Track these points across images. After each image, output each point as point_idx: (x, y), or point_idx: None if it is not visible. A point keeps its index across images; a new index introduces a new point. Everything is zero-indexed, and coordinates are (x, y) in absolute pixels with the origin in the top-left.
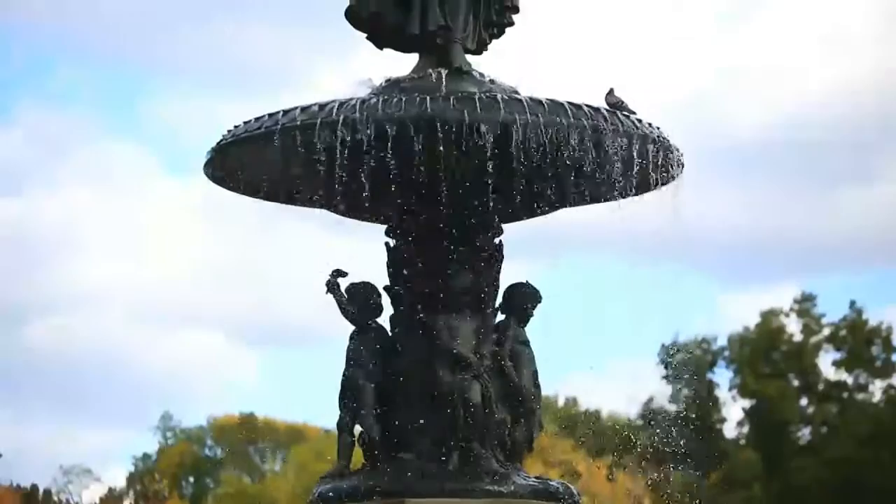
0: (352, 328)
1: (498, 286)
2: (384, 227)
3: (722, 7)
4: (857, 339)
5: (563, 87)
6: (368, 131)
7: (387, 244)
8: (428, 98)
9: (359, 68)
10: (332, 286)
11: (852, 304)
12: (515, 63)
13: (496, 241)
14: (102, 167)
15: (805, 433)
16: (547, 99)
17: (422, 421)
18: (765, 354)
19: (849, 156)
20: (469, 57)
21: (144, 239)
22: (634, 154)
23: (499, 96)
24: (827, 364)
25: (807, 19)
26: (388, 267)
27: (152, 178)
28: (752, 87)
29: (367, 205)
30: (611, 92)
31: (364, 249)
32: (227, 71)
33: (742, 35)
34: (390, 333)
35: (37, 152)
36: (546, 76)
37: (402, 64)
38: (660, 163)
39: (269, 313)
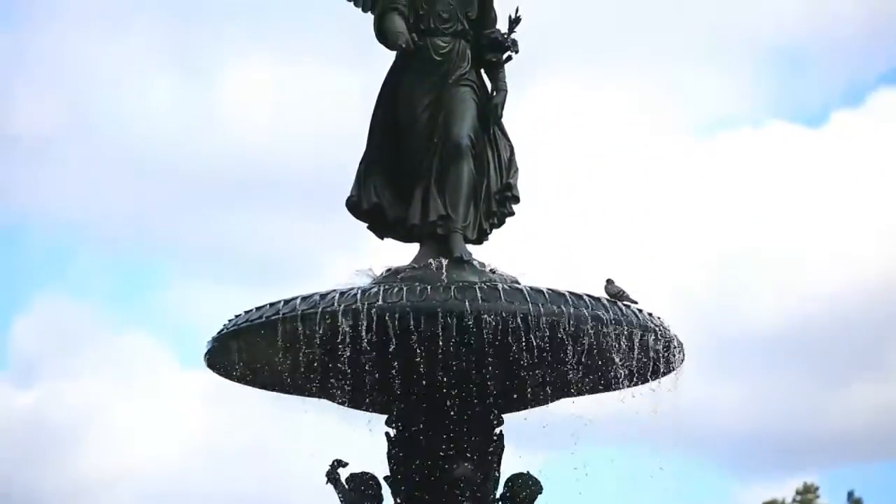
0: None
1: (499, 476)
2: (384, 416)
3: (731, 191)
4: None
5: (566, 276)
6: (369, 321)
7: (387, 434)
8: (429, 288)
9: (370, 257)
10: (332, 476)
11: (850, 494)
12: (517, 251)
13: (497, 431)
14: (117, 358)
15: None
16: (548, 288)
17: None
18: None
19: (859, 350)
20: (469, 246)
21: (156, 429)
22: (635, 345)
23: (499, 286)
24: None
25: (819, 208)
26: (389, 457)
27: (165, 369)
28: (760, 276)
29: (367, 394)
30: (611, 282)
31: (365, 439)
32: (242, 260)
33: (753, 223)
34: None
35: (52, 343)
36: (547, 264)
37: (411, 252)
38: (661, 353)
39: (276, 502)
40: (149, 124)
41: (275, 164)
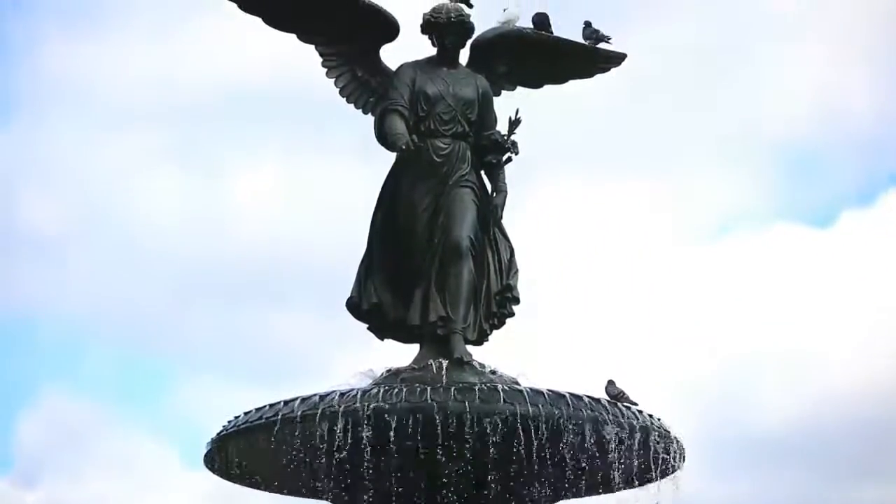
0: None
1: None
2: None
3: (737, 291)
4: None
5: (567, 377)
6: (368, 422)
7: None
8: (429, 389)
9: (378, 356)
10: None
11: None
12: (517, 352)
13: None
14: (122, 458)
15: None
16: (548, 390)
17: None
18: None
19: (867, 451)
20: (470, 347)
21: None
22: (635, 445)
23: (499, 387)
24: None
25: (827, 308)
26: None
27: (170, 469)
28: (766, 376)
29: (367, 495)
30: (612, 383)
31: None
32: (249, 359)
33: (759, 323)
34: None
35: (57, 442)
36: (548, 365)
37: (414, 352)
38: (661, 454)
39: None
40: (155, 222)
41: (282, 262)
